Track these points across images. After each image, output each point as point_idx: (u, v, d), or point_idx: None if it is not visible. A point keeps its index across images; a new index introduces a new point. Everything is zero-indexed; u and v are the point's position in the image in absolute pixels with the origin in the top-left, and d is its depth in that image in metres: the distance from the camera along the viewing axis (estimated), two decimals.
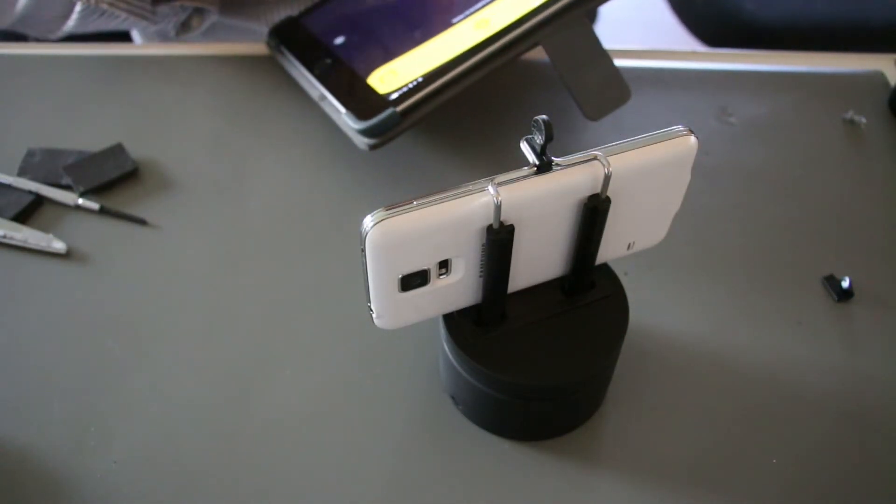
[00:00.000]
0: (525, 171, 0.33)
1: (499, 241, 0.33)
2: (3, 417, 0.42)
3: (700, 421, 0.42)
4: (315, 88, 0.53)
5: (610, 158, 0.33)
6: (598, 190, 0.34)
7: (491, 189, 0.32)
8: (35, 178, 0.52)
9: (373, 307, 0.35)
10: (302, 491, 0.39)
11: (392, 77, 0.50)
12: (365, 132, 0.49)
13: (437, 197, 0.32)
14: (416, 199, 0.32)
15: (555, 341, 0.38)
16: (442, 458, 0.40)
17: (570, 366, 0.37)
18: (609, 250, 0.38)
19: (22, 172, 0.53)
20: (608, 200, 0.34)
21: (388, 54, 0.52)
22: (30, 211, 0.51)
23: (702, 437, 0.41)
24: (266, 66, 0.61)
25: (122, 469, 0.40)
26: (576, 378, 0.37)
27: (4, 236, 0.49)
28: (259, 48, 0.63)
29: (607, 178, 0.33)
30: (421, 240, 0.32)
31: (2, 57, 0.61)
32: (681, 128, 0.34)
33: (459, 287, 0.36)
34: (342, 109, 0.50)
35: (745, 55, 0.63)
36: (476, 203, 0.32)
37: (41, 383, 0.43)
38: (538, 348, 0.37)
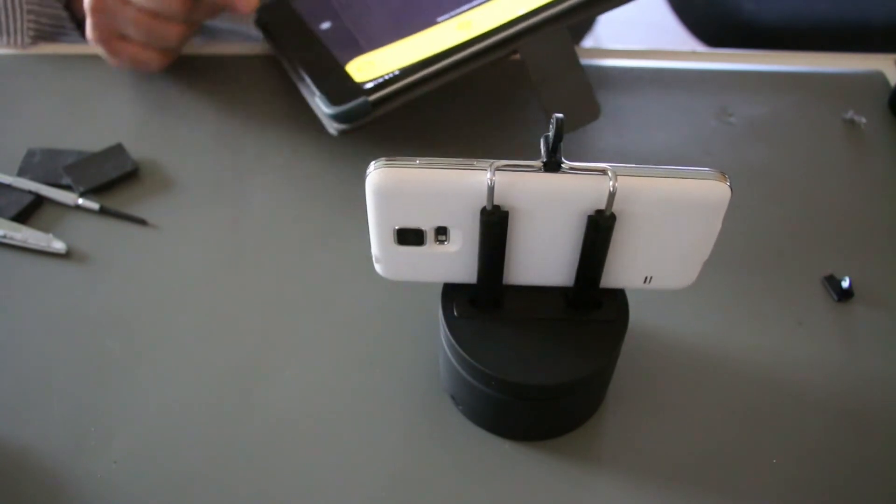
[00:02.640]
0: (532, 164, 0.33)
1: (490, 224, 0.34)
2: (3, 417, 0.42)
3: (700, 421, 0.42)
4: (295, 70, 0.54)
5: (623, 178, 0.32)
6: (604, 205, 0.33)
7: (488, 170, 0.32)
8: (35, 178, 0.52)
9: (372, 251, 0.36)
10: (302, 491, 0.39)
11: (370, 67, 0.51)
12: (335, 117, 0.49)
13: (439, 162, 0.33)
14: (419, 159, 0.33)
15: (554, 341, 0.37)
16: (442, 458, 0.40)
17: (569, 366, 0.37)
18: (622, 276, 0.37)
19: (22, 172, 0.52)
20: (612, 218, 0.33)
21: (370, 44, 0.53)
22: (30, 211, 0.51)
23: (702, 437, 0.41)
24: (266, 66, 0.61)
25: (122, 469, 0.40)
26: (575, 378, 0.37)
27: (4, 236, 0.49)
28: (259, 48, 0.63)
29: (612, 194, 0.32)
30: (415, 197, 0.33)
31: (2, 57, 0.61)
32: (714, 171, 0.33)
33: (457, 259, 0.36)
34: (316, 92, 0.51)
35: (745, 55, 0.63)
36: (472, 179, 0.33)
37: (41, 383, 0.43)
38: (538, 348, 0.37)
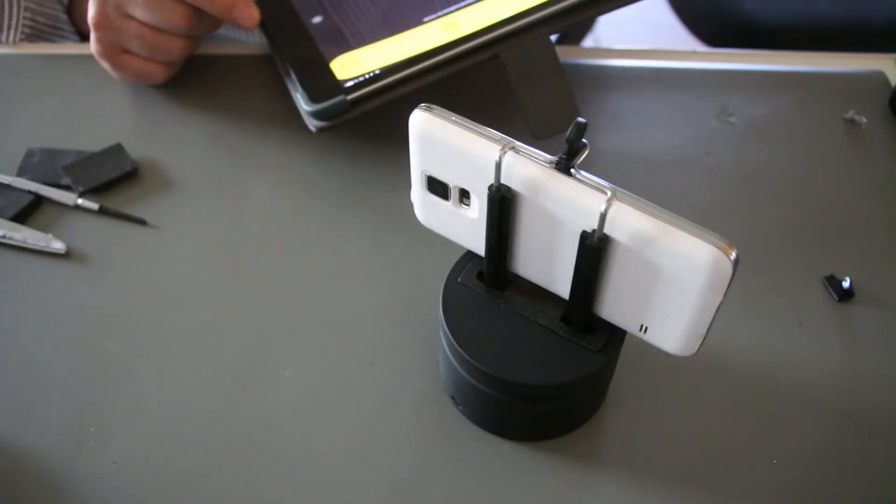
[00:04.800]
0: (548, 158, 0.33)
1: (494, 199, 0.34)
2: (3, 417, 0.41)
3: (700, 421, 0.42)
4: (283, 65, 0.54)
5: (621, 206, 0.31)
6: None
7: (499, 148, 0.33)
8: (34, 178, 0.52)
9: (411, 191, 0.39)
10: (301, 491, 0.39)
11: (353, 64, 0.51)
12: (314, 114, 0.50)
13: (469, 125, 0.34)
14: (457, 115, 0.35)
15: (554, 342, 0.37)
16: (442, 458, 0.40)
17: (570, 366, 0.37)
18: (616, 313, 0.36)
19: (21, 172, 0.52)
20: (603, 241, 0.32)
21: (357, 41, 0.53)
22: (29, 211, 0.51)
23: (702, 437, 0.41)
24: (266, 67, 0.61)
25: (121, 469, 0.40)
26: (576, 378, 0.37)
27: (4, 236, 0.49)
28: (259, 48, 0.63)
29: (602, 216, 0.31)
30: (440, 149, 0.35)
31: (2, 57, 0.61)
32: (721, 239, 0.31)
33: (475, 227, 0.37)
34: (298, 88, 0.51)
35: (745, 55, 0.63)
36: (487, 149, 0.33)
37: (41, 383, 0.43)
38: (538, 348, 0.37)
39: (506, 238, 0.36)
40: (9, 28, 0.61)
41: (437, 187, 0.37)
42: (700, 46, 1.06)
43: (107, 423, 0.41)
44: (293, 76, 0.52)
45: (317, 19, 0.56)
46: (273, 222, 0.51)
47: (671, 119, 0.57)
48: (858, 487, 0.39)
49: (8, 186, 0.51)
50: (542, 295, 0.38)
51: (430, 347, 0.44)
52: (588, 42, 1.25)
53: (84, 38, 0.66)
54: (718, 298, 0.32)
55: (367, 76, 0.50)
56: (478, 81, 0.60)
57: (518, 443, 0.41)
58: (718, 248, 0.30)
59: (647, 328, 0.35)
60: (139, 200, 0.52)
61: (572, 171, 0.32)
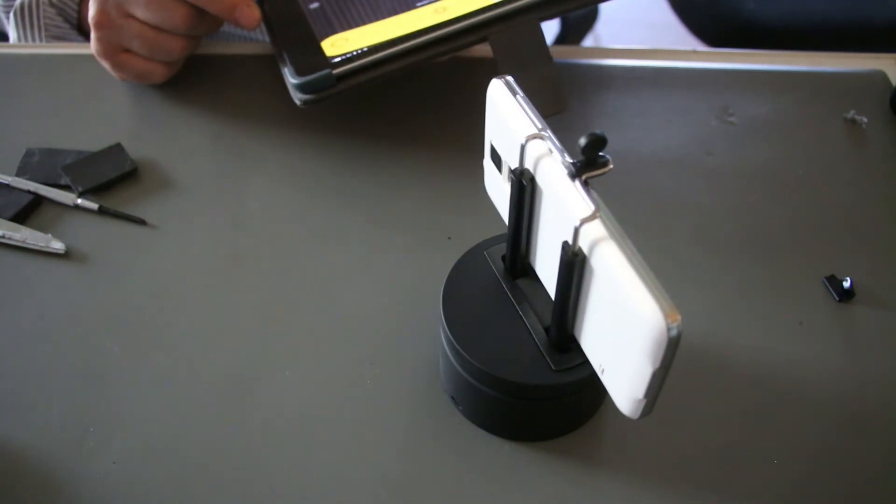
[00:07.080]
0: (566, 158, 0.32)
1: (514, 181, 0.34)
2: (3, 417, 0.41)
3: (700, 421, 0.42)
4: (276, 44, 0.55)
5: (595, 226, 0.30)
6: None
7: (527, 133, 0.33)
8: (34, 178, 0.52)
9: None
10: (301, 492, 0.39)
11: (343, 43, 0.52)
12: (299, 87, 0.50)
13: (524, 105, 0.34)
14: (522, 95, 0.35)
15: (530, 345, 0.37)
16: (442, 458, 0.40)
17: (531, 371, 0.36)
18: (585, 343, 0.35)
19: (20, 172, 0.52)
20: (577, 257, 0.31)
21: (349, 24, 0.54)
22: (28, 211, 0.51)
23: (702, 437, 0.41)
24: (266, 67, 0.61)
25: (121, 470, 0.40)
26: (576, 378, 0.36)
27: (3, 236, 0.49)
28: (259, 48, 0.63)
29: (576, 230, 0.31)
30: (499, 121, 0.35)
31: (1, 56, 0.61)
32: (669, 304, 0.28)
33: None
34: (286, 62, 0.52)
35: (746, 54, 0.63)
36: (522, 130, 0.33)
37: (40, 383, 0.43)
38: (517, 345, 0.37)
39: (520, 225, 0.36)
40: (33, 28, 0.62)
41: (495, 157, 0.37)
42: (700, 46, 1.06)
43: (107, 423, 0.41)
44: (284, 56, 0.53)
45: (314, 5, 0.56)
46: (273, 222, 0.51)
47: (671, 119, 0.57)
48: (859, 487, 0.39)
49: (7, 186, 0.51)
50: (545, 296, 0.38)
51: (430, 347, 0.44)
52: (588, 42, 1.25)
53: (86, 37, 0.66)
54: (654, 363, 0.29)
55: (353, 53, 0.51)
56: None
57: (518, 443, 0.41)
58: (662, 311, 0.27)
59: (603, 370, 0.34)
60: (139, 200, 0.52)
61: (577, 179, 0.32)
